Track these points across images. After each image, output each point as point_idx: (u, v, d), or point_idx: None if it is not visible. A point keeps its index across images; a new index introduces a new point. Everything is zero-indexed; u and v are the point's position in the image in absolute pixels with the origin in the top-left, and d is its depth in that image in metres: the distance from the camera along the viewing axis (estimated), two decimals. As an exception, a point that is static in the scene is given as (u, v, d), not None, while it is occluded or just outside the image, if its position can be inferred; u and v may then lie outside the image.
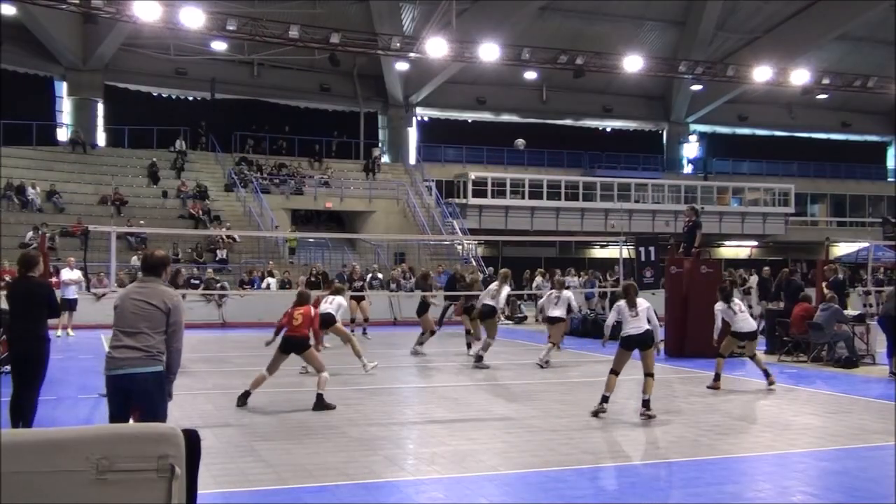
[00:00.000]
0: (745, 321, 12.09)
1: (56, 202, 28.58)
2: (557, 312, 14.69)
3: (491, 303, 14.40)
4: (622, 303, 9.81)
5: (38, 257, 8.33)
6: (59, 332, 18.78)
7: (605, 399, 9.52)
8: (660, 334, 10.00)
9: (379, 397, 11.41)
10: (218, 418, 9.49)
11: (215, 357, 15.96)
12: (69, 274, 19.61)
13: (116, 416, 5.78)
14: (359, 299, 19.68)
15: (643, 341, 9.60)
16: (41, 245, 16.36)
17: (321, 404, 9.99)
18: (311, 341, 10.53)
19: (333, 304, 13.57)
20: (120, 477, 3.03)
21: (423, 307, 16.66)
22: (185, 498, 3.14)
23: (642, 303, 9.80)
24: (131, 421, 5.75)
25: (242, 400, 10.17)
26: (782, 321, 16.15)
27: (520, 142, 35.78)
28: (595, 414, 9.42)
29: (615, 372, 9.67)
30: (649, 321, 9.68)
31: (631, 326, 9.60)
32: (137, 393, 5.68)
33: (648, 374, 9.58)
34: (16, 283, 8.18)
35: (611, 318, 10.15)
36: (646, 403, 9.42)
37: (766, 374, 11.89)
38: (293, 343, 10.26)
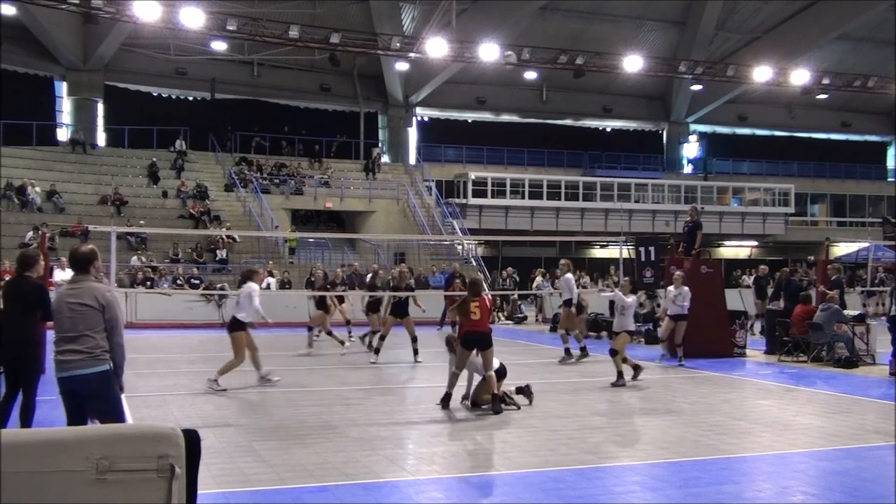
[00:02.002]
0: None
1: (56, 202, 28.59)
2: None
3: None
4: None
5: (36, 257, 7.94)
6: None
7: (447, 396, 9.92)
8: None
9: (379, 397, 11.40)
10: (218, 418, 9.49)
11: (215, 357, 15.92)
12: (62, 274, 19.59)
13: (73, 417, 5.74)
14: (340, 300, 19.50)
15: (483, 341, 9.83)
16: (41, 245, 16.36)
17: (510, 401, 10.02)
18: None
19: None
20: (120, 477, 3.04)
21: (375, 305, 16.49)
22: (185, 498, 3.14)
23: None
24: (89, 422, 5.75)
25: (446, 403, 10.05)
26: (782, 321, 16.16)
27: None
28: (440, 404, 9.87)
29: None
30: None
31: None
32: (86, 394, 5.66)
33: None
34: (11, 282, 7.87)
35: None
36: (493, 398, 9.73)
37: (620, 376, 12.14)
38: (477, 339, 10.17)
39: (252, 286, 11.60)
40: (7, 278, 18.24)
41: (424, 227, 32.89)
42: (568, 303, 15.59)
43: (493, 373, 9.83)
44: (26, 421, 7.59)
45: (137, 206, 29.94)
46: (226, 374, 11.30)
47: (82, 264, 5.90)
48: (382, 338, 14.96)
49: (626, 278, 14.88)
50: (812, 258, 31.68)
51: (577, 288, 17.14)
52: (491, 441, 8.28)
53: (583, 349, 15.18)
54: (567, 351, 15.21)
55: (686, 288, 14.63)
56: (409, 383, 13.13)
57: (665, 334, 15.37)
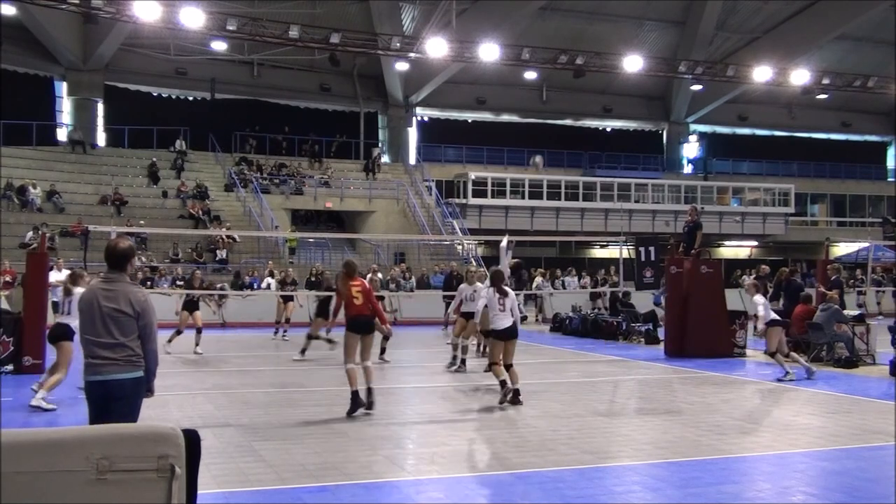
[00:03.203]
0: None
1: (56, 202, 28.60)
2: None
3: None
4: (492, 291, 10.37)
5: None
6: None
7: (503, 383, 10.23)
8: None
9: (379, 397, 11.39)
10: (218, 418, 9.49)
11: (215, 357, 15.96)
12: (57, 275, 19.55)
13: (96, 420, 5.61)
14: (286, 299, 19.43)
15: (367, 325, 9.85)
16: (41, 245, 16.35)
17: (370, 399, 9.87)
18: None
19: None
20: (120, 477, 3.04)
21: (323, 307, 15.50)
22: (185, 498, 3.13)
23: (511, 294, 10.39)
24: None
25: (355, 403, 9.61)
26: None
27: (538, 160, 35.97)
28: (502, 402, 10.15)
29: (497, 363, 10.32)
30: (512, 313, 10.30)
31: (502, 320, 10.22)
32: (117, 397, 5.52)
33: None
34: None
35: (480, 304, 10.91)
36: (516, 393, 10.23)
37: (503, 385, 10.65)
38: (363, 323, 9.87)
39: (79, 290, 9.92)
40: (7, 278, 18.07)
41: (424, 227, 32.89)
42: (468, 315, 13.83)
43: (370, 363, 9.83)
44: None
45: (137, 206, 29.94)
46: (53, 388, 9.96)
47: (119, 261, 5.52)
48: (310, 337, 14.99)
49: (752, 279, 14.81)
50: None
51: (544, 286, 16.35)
52: (491, 441, 8.28)
53: (463, 361, 14.06)
54: (455, 359, 14.27)
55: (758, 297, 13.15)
56: (408, 383, 13.12)
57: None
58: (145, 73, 35.61)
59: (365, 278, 10.91)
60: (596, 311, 23.46)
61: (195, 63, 35.54)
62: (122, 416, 5.57)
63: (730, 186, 42.37)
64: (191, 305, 16.59)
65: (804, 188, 44.36)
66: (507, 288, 10.42)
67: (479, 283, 13.98)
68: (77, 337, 5.69)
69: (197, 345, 16.05)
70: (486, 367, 14.04)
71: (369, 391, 9.66)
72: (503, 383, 10.20)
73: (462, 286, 14.48)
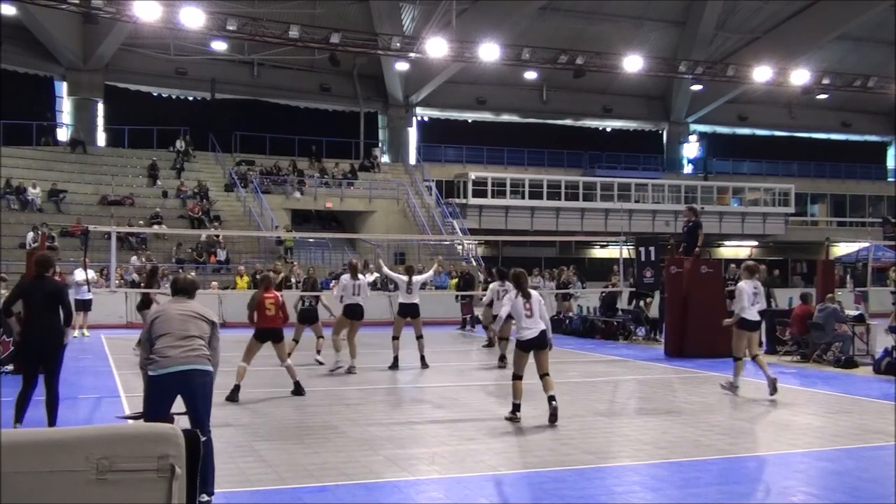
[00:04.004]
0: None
1: (58, 202, 28.63)
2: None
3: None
4: (516, 295, 9.19)
5: (52, 258, 8.49)
6: (76, 333, 18.80)
7: (516, 407, 9.14)
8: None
9: (379, 397, 11.41)
10: (218, 418, 9.44)
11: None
12: (82, 274, 19.55)
13: (159, 416, 5.73)
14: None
15: (539, 343, 9.07)
16: (41, 245, 16.37)
17: (300, 390, 10.59)
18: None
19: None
20: (120, 477, 3.03)
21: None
22: (185, 498, 3.13)
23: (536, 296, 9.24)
24: (177, 421, 5.71)
25: (235, 395, 10.35)
26: (782, 321, 16.18)
27: None
28: (510, 420, 9.11)
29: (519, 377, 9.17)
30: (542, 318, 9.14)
31: (527, 329, 9.06)
32: (196, 393, 5.79)
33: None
34: (32, 283, 8.29)
35: (504, 311, 9.49)
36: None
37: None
38: (270, 333, 10.61)
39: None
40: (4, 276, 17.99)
41: (424, 228, 32.89)
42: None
43: (290, 362, 10.60)
44: (53, 415, 8.07)
45: (137, 206, 29.96)
46: None
47: (187, 290, 6.26)
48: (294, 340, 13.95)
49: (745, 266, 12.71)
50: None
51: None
52: (491, 441, 8.28)
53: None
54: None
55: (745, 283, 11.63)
56: (409, 384, 13.12)
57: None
58: (145, 73, 35.62)
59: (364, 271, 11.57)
60: (561, 314, 22.91)
61: (195, 63, 35.54)
62: (202, 412, 5.83)
63: (730, 186, 42.38)
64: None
65: (804, 188, 44.36)
66: (531, 290, 9.32)
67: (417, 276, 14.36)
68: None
69: None
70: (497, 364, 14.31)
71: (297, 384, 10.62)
72: (516, 407, 9.15)
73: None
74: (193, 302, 6.18)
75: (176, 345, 5.78)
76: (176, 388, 5.78)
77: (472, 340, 20.62)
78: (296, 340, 13.70)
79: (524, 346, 9.15)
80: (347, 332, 13.57)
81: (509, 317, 14.94)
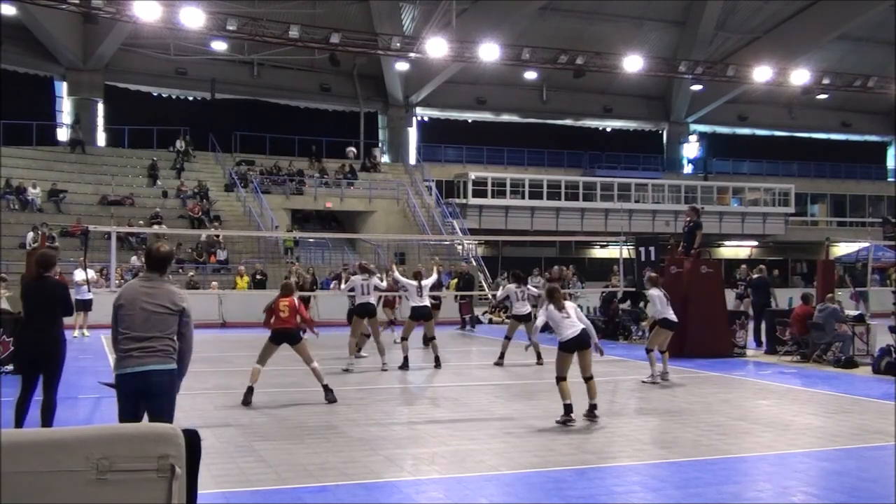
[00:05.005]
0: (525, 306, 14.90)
1: (59, 202, 28.64)
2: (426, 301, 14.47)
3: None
4: (550, 307, 9.38)
5: (55, 257, 8.22)
6: (77, 333, 18.81)
7: (568, 408, 9.07)
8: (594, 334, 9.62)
9: (379, 397, 11.42)
10: (218, 418, 9.49)
11: (215, 357, 15.96)
12: (82, 274, 19.54)
13: (128, 416, 5.68)
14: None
15: (581, 341, 9.20)
16: (41, 245, 16.35)
17: (331, 395, 10.35)
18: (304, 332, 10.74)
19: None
20: (120, 477, 3.03)
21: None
22: (185, 498, 3.13)
23: (570, 304, 9.54)
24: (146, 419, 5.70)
25: (248, 397, 10.30)
26: (782, 321, 16.18)
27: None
28: (563, 423, 9.02)
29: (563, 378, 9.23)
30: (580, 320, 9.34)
31: (567, 329, 9.18)
32: (154, 392, 5.62)
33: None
34: (33, 282, 8.01)
35: (540, 321, 9.85)
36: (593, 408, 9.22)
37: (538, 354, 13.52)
38: (284, 335, 10.46)
39: None
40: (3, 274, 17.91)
41: (424, 228, 32.89)
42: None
43: (317, 364, 10.44)
44: (49, 419, 7.75)
45: (137, 206, 29.96)
46: None
47: (160, 264, 5.83)
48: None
49: (651, 273, 14.54)
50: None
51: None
52: (491, 441, 8.28)
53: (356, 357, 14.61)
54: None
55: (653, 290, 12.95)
56: (409, 384, 13.12)
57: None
58: (145, 73, 35.61)
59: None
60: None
61: (195, 63, 35.54)
62: (158, 411, 5.64)
63: (730, 186, 42.38)
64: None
65: (804, 188, 44.36)
66: (565, 301, 9.47)
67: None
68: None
69: None
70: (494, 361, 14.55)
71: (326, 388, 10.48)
72: (568, 408, 9.04)
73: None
74: (164, 285, 5.74)
75: (135, 346, 5.58)
76: (135, 387, 5.61)
77: (472, 340, 20.61)
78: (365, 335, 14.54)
79: (567, 347, 9.24)
80: (371, 331, 14.27)
81: (517, 317, 15.25)
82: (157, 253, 5.83)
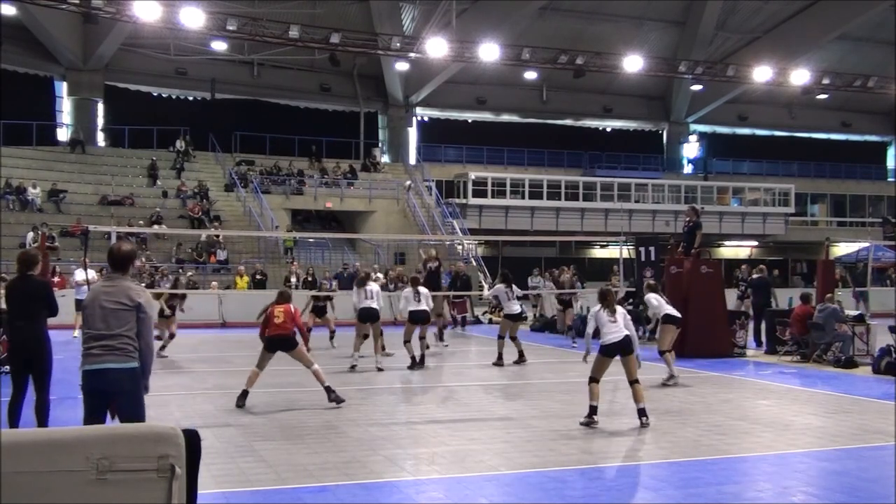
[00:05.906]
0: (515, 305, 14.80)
1: (59, 202, 28.63)
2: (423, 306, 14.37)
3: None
4: (600, 309, 9.36)
5: (37, 256, 8.19)
6: (76, 333, 18.77)
7: (593, 410, 9.01)
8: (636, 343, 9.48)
9: (379, 397, 11.41)
10: (218, 418, 9.49)
11: (215, 357, 15.97)
12: (82, 274, 19.50)
13: (92, 414, 5.69)
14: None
15: (624, 347, 9.15)
16: (41, 245, 16.36)
17: (333, 395, 10.19)
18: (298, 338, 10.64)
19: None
20: (120, 477, 3.03)
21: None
22: (185, 498, 3.13)
23: (620, 309, 9.47)
24: (108, 421, 5.72)
25: (242, 400, 10.20)
26: (782, 321, 16.17)
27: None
28: (587, 425, 8.93)
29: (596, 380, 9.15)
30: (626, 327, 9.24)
31: (611, 333, 9.13)
32: (114, 391, 5.63)
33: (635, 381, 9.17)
34: (15, 282, 8.00)
35: (590, 327, 9.51)
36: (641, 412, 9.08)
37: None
38: (279, 341, 10.31)
39: None
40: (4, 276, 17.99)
41: (424, 228, 32.88)
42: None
43: (317, 367, 10.29)
44: (43, 419, 7.70)
45: (137, 206, 29.96)
46: None
47: (122, 263, 5.89)
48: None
49: (649, 280, 14.67)
50: None
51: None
52: (491, 441, 8.28)
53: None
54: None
55: (650, 295, 13.09)
56: (408, 384, 13.12)
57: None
58: (145, 73, 35.62)
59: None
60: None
61: (195, 63, 35.54)
62: (124, 411, 5.63)
63: (730, 186, 42.39)
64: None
65: (804, 188, 44.38)
66: (617, 306, 9.48)
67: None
68: None
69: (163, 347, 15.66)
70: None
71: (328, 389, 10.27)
72: (593, 409, 8.96)
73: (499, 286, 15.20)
74: (123, 283, 5.77)
75: (95, 344, 5.62)
76: (94, 385, 5.64)
77: (470, 340, 20.61)
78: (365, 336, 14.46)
79: (608, 351, 9.18)
80: (372, 334, 14.16)
81: (508, 316, 15.19)
82: (119, 252, 5.91)
